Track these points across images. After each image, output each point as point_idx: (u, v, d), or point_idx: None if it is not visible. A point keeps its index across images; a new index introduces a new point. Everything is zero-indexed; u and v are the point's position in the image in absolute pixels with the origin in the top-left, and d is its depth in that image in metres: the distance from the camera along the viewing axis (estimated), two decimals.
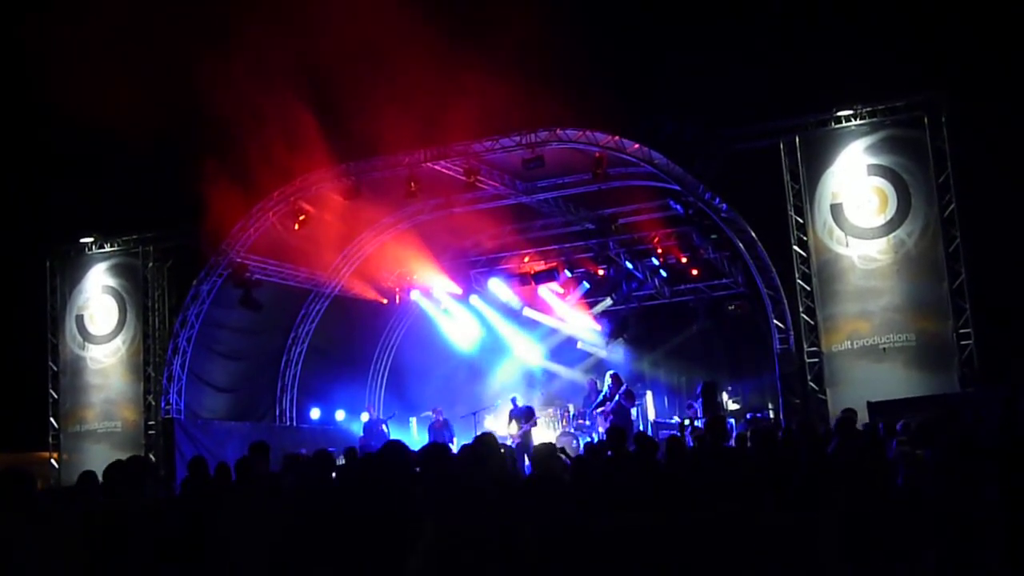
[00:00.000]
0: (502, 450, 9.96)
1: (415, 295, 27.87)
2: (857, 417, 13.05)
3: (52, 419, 25.25)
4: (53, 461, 24.89)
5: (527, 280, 27.01)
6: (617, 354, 28.36)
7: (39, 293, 25.60)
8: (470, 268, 28.20)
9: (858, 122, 20.29)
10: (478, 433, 8.97)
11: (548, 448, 10.87)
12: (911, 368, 19.39)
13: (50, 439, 25.23)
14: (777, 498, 9.64)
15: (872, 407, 17.20)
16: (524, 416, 22.91)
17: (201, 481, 10.73)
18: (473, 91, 18.90)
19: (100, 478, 10.30)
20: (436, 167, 22.21)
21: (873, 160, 20.09)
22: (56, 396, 25.30)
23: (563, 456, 12.80)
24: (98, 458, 23.73)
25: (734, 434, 18.94)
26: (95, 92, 18.72)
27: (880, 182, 19.99)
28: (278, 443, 23.93)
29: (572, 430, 23.83)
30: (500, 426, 24.12)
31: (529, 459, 15.29)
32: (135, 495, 9.69)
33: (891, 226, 19.86)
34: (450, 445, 9.15)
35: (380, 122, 19.79)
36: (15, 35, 19.51)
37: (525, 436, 22.07)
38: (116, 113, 20.92)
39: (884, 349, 19.59)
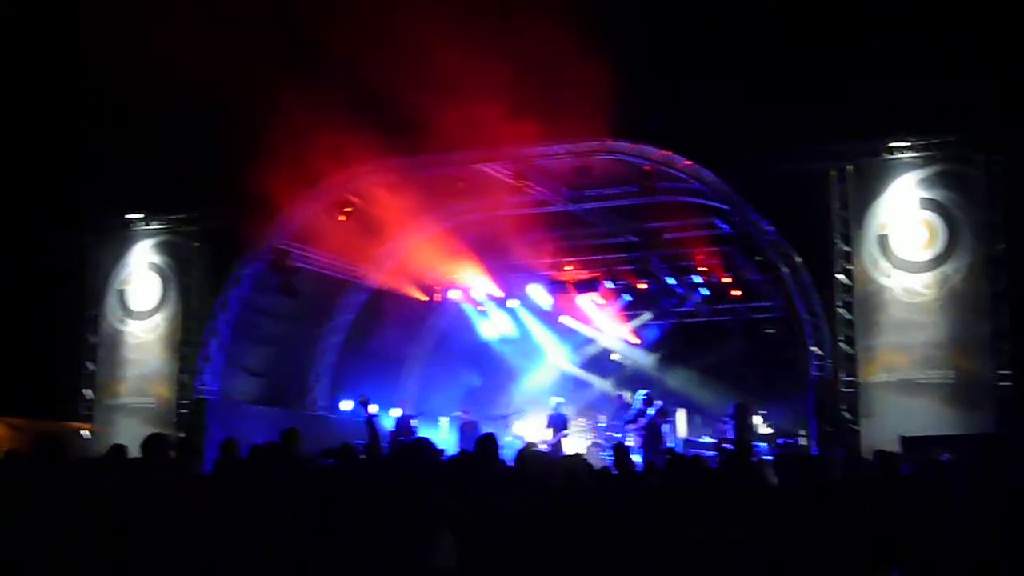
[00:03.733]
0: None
1: (454, 294, 27.89)
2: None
3: (87, 391, 25.44)
4: (85, 432, 25.05)
5: (568, 288, 26.99)
6: (652, 369, 28.31)
7: (82, 266, 25.81)
8: (511, 272, 28.17)
9: (912, 154, 20.14)
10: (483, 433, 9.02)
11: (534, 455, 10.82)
12: (947, 405, 19.19)
13: (84, 410, 25.42)
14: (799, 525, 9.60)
15: (905, 442, 17.08)
16: (559, 425, 22.91)
17: (232, 463, 10.79)
18: (527, 96, 18.91)
19: (129, 452, 10.37)
20: (485, 169, 22.24)
21: (924, 193, 19.94)
22: (93, 368, 25.49)
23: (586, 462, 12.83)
24: (129, 432, 23.86)
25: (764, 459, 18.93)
26: (149, 70, 18.85)
27: (930, 216, 19.84)
28: (308, 431, 24.05)
29: (601, 441, 23.82)
30: (530, 430, 24.13)
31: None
32: (166, 470, 9.78)
33: (938, 261, 19.69)
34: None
35: (432, 120, 19.81)
36: (68, 5, 19.67)
37: (556, 446, 22.07)
38: (171, 93, 21.11)
39: (921, 384, 19.43)
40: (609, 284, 26.51)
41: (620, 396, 24.74)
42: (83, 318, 25.72)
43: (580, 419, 25.46)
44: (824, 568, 9.55)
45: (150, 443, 9.67)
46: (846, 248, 20.42)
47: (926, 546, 9.64)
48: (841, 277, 20.38)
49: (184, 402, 24.40)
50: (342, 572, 7.86)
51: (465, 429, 23.66)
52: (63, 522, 8.09)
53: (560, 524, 8.68)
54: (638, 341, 28.49)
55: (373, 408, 10.31)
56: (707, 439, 24.56)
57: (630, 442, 21.98)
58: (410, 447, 8.26)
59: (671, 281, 26.28)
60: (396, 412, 25.76)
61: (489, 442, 8.76)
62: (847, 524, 9.68)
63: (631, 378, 27.85)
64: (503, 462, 9.12)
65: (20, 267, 25.77)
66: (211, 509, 9.23)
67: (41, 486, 8.33)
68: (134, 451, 10.19)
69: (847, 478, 10.82)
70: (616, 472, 11.23)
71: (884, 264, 20.03)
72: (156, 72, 18.62)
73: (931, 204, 19.87)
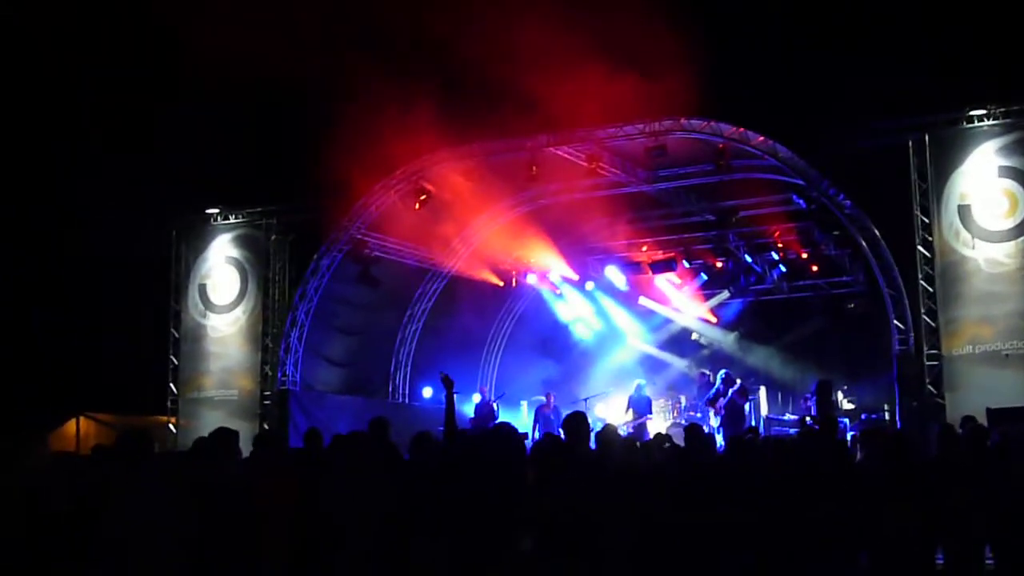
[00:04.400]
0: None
1: (531, 279, 27.90)
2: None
3: (172, 385, 25.82)
4: (171, 426, 25.43)
5: (644, 269, 26.89)
6: (732, 347, 28.16)
7: (164, 261, 26.16)
8: (587, 254, 28.12)
9: (991, 122, 19.82)
10: (570, 413, 8.97)
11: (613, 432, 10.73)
12: None
13: (169, 404, 25.79)
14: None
15: (992, 414, 16.84)
16: (642, 407, 22.84)
17: (316, 453, 10.89)
18: (598, 78, 18.86)
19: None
20: (558, 152, 22.22)
21: (1004, 162, 19.62)
22: (176, 362, 25.86)
23: (668, 443, 12.79)
24: (214, 424, 23.82)
25: (847, 435, 18.76)
26: (227, 65, 19.03)
27: (1011, 184, 19.52)
28: (390, 419, 24.27)
29: (683, 421, 23.71)
30: (611, 413, 24.08)
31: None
32: (249, 464, 9.90)
33: (1020, 230, 19.37)
34: (560, 431, 9.19)
35: (505, 105, 19.84)
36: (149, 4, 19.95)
37: (639, 428, 22.02)
38: (245, 86, 21.31)
39: (1007, 355, 19.15)
40: (686, 264, 26.39)
41: (703, 374, 24.59)
42: (167, 313, 26.05)
43: (660, 399, 25.35)
44: (915, 546, 9.46)
45: (219, 438, 9.81)
46: (926, 220, 20.16)
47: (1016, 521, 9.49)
48: (921, 249, 20.14)
49: (267, 393, 24.68)
50: (427, 560, 7.90)
51: (544, 412, 23.65)
52: (151, 514, 8.21)
53: (640, 507, 8.66)
54: (715, 320, 28.33)
55: (451, 385, 10.25)
56: (790, 416, 24.39)
57: (714, 422, 21.92)
58: (490, 433, 8.27)
59: (748, 259, 26.09)
60: (476, 398, 25.82)
61: (580, 422, 8.69)
62: (939, 500, 9.57)
63: (711, 357, 27.74)
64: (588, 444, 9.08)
65: (105, 263, 26.20)
66: (295, 500, 9.33)
67: (127, 479, 8.47)
68: None
69: (943, 454, 10.67)
70: (689, 452, 11.17)
71: (965, 235, 19.74)
72: (231, 65, 18.81)
73: (1011, 172, 19.56)
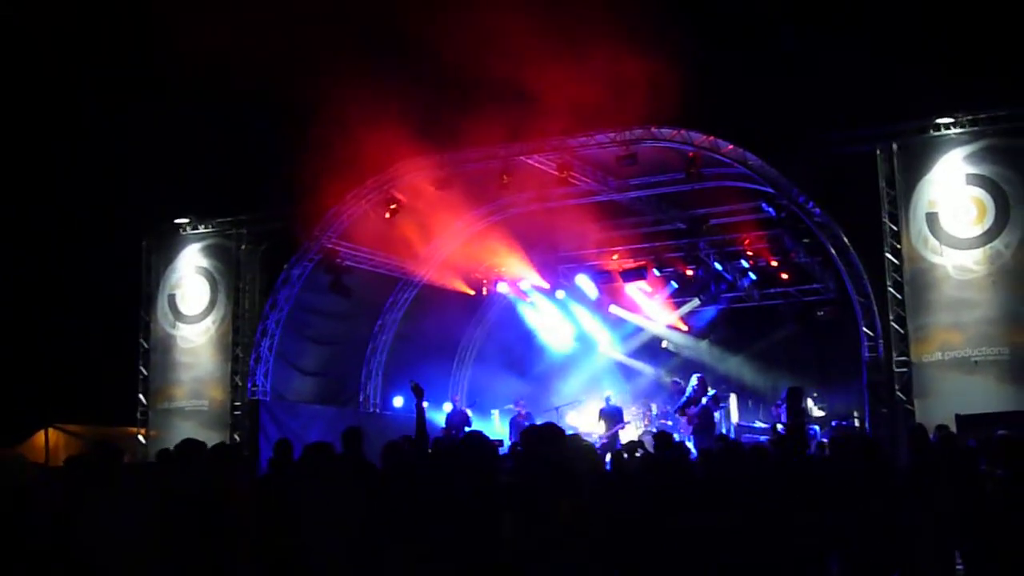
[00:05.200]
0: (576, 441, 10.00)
1: (502, 288, 27.94)
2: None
3: (141, 395, 25.67)
4: (141, 437, 25.29)
5: (615, 277, 26.96)
6: (702, 355, 28.24)
7: (134, 271, 26.02)
8: (558, 263, 28.20)
9: (958, 131, 19.94)
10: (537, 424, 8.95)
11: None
12: (1003, 382, 19.00)
13: (139, 415, 25.64)
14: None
15: (961, 420, 16.93)
16: (615, 417, 22.87)
17: (286, 463, 10.87)
18: (569, 87, 18.89)
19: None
20: (529, 161, 22.25)
21: (972, 170, 19.74)
22: (146, 373, 25.72)
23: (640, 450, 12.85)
24: (185, 435, 23.80)
25: (815, 442, 18.83)
26: (196, 74, 18.98)
27: (978, 192, 19.64)
28: (362, 428, 24.24)
29: (654, 430, 23.76)
30: (584, 422, 24.11)
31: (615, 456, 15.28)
32: (219, 475, 9.88)
33: (988, 237, 19.50)
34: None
35: (476, 114, 19.85)
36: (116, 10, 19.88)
37: (612, 438, 22.06)
38: (214, 96, 21.26)
39: (976, 362, 19.25)
40: (656, 272, 26.47)
41: (676, 382, 24.69)
42: (136, 324, 25.91)
43: (632, 408, 25.42)
44: (885, 550, 9.51)
45: (184, 449, 9.81)
46: (894, 227, 20.26)
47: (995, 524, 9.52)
48: (890, 256, 20.23)
49: (238, 404, 24.59)
50: (399, 568, 7.89)
51: (518, 421, 23.67)
52: (122, 525, 8.19)
53: (613, 511, 8.68)
54: (686, 328, 28.42)
55: (422, 393, 10.22)
56: (760, 424, 24.49)
57: (685, 430, 21.98)
58: (462, 441, 8.25)
59: (719, 267, 26.19)
60: (448, 406, 25.81)
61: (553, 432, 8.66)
62: (910, 505, 9.62)
63: (682, 365, 27.80)
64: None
65: (73, 274, 26.07)
66: (264, 510, 9.31)
67: (100, 489, 8.44)
68: None
69: (916, 459, 10.72)
70: (657, 458, 11.22)
71: (934, 242, 19.85)
72: (200, 74, 18.76)
73: (979, 180, 19.68)
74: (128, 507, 8.38)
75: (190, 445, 10.01)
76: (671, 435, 13.30)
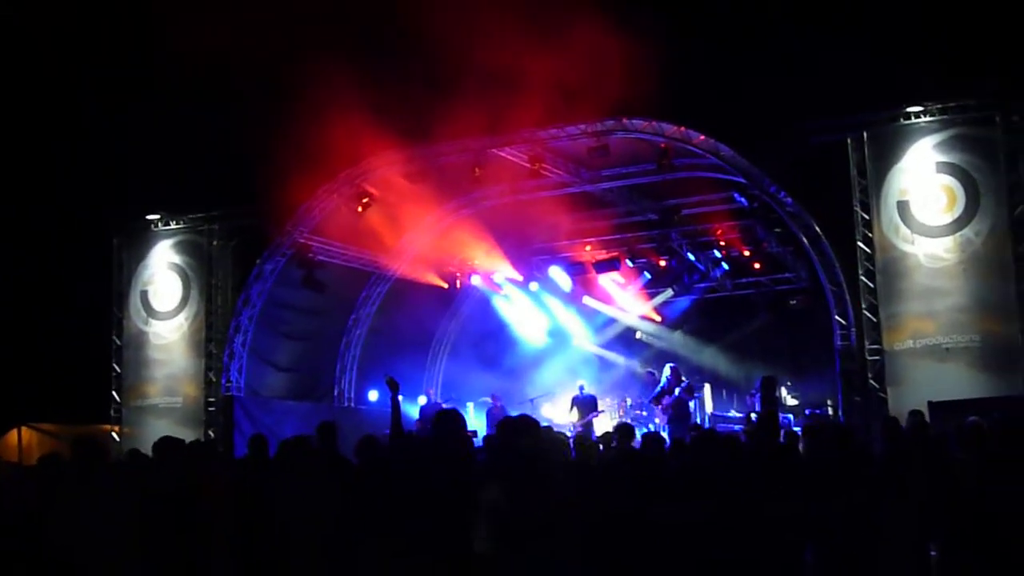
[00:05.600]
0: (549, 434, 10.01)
1: (476, 281, 27.93)
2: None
3: (115, 393, 25.56)
4: (115, 434, 25.18)
5: (588, 269, 27.00)
6: (676, 346, 28.30)
7: (105, 268, 25.90)
8: (532, 255, 28.21)
9: (928, 119, 20.03)
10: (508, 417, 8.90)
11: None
12: (975, 369, 19.12)
13: (112, 412, 25.53)
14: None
15: (934, 407, 17.03)
16: (588, 405, 22.87)
17: (261, 459, 10.84)
18: (540, 79, 18.88)
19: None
20: (501, 153, 22.24)
21: (942, 158, 19.84)
22: (119, 370, 25.61)
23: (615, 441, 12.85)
24: (159, 433, 23.59)
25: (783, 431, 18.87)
26: (166, 68, 18.88)
27: (949, 180, 19.73)
28: (337, 423, 24.20)
29: (629, 420, 23.79)
30: (559, 413, 24.13)
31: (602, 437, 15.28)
32: (194, 472, 9.85)
33: (959, 224, 19.59)
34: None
35: (447, 107, 19.82)
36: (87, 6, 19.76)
37: (587, 427, 22.06)
38: (184, 92, 21.15)
39: (947, 349, 19.35)
40: (629, 263, 26.53)
41: (650, 373, 24.72)
42: (109, 321, 25.79)
43: (607, 399, 25.44)
44: (859, 539, 9.53)
45: (163, 446, 9.78)
46: (866, 216, 20.35)
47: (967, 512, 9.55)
48: (862, 245, 20.31)
49: (212, 400, 24.52)
50: (374, 562, 7.89)
51: (493, 414, 23.67)
52: (98, 522, 8.16)
53: (588, 503, 8.69)
54: (660, 318, 28.49)
55: (397, 387, 10.18)
56: (735, 413, 24.56)
57: (659, 421, 22.02)
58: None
59: (692, 257, 26.28)
60: (422, 400, 25.81)
61: (527, 424, 8.65)
62: (884, 493, 9.64)
63: (656, 356, 27.84)
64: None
65: (45, 271, 25.93)
66: (241, 506, 9.29)
67: (76, 487, 8.42)
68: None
69: (889, 447, 10.74)
70: (629, 450, 11.24)
71: (905, 230, 19.93)
72: (170, 68, 18.66)
73: (949, 168, 19.77)
74: (104, 505, 8.35)
75: (168, 443, 9.96)
76: (632, 427, 13.28)
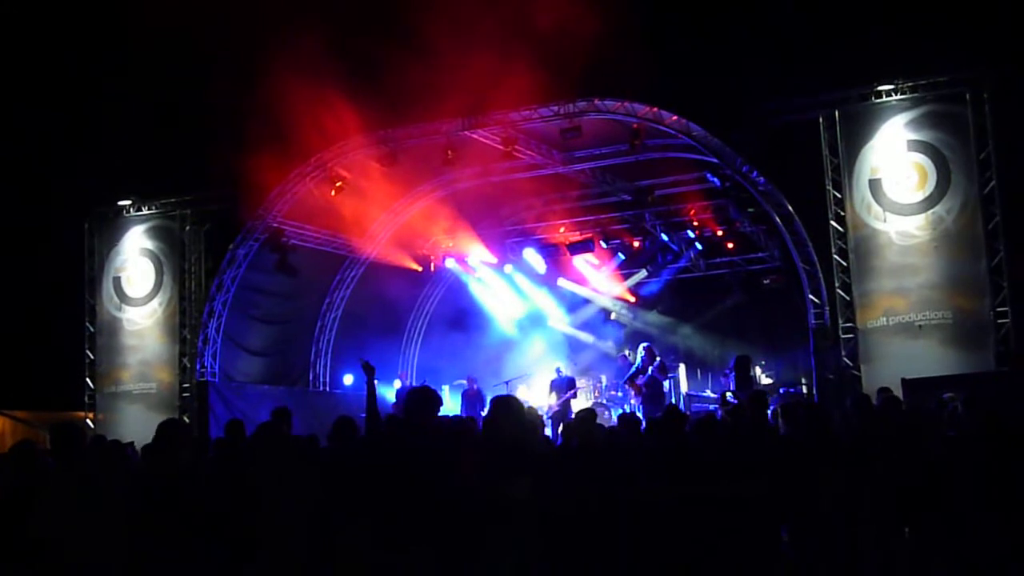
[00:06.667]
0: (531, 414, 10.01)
1: (450, 263, 27.94)
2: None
3: (88, 379, 25.47)
4: (89, 421, 25.08)
5: (562, 250, 27.03)
6: (651, 326, 28.37)
7: (77, 255, 25.76)
8: (505, 237, 28.23)
9: (899, 97, 20.12)
10: (497, 396, 8.79)
11: (589, 414, 10.82)
12: (947, 346, 19.27)
13: (86, 399, 25.44)
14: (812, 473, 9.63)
15: (907, 384, 17.13)
16: (566, 386, 22.90)
17: (237, 444, 10.82)
18: (512, 60, 18.84)
19: (130, 438, 10.39)
20: (473, 135, 22.21)
21: (913, 136, 19.93)
22: (92, 357, 25.51)
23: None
24: (133, 419, 24.03)
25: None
26: (134, 56, 18.76)
27: (920, 158, 19.83)
28: (311, 408, 24.24)
29: (604, 401, 23.88)
30: (535, 396, 24.15)
31: (565, 428, 15.23)
32: (172, 458, 9.80)
33: (930, 202, 19.69)
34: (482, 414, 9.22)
35: (418, 89, 19.77)
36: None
37: (564, 406, 22.08)
38: (155, 78, 21.03)
39: (920, 326, 19.48)
40: (603, 244, 26.58)
41: (624, 356, 24.76)
42: (82, 307, 25.67)
43: (581, 380, 25.47)
44: (834, 518, 9.59)
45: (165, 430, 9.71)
46: (838, 195, 20.43)
47: (938, 490, 9.62)
48: (835, 224, 20.40)
49: (186, 385, 24.46)
50: (353, 545, 7.89)
51: (469, 397, 23.68)
52: (84, 510, 8.14)
53: (567, 484, 8.71)
54: (634, 299, 28.56)
55: (372, 371, 10.12)
56: (709, 393, 24.64)
57: (634, 401, 22.07)
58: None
59: (665, 237, 26.34)
60: (397, 383, 25.80)
61: (508, 403, 8.53)
62: (862, 471, 9.69)
63: (631, 336, 27.91)
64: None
65: (16, 258, 25.78)
66: (215, 491, 9.26)
67: (65, 473, 8.40)
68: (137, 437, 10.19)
69: (864, 424, 10.79)
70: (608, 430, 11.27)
71: (877, 208, 20.03)
72: (139, 51, 18.54)
73: (920, 146, 19.87)
74: (84, 490, 8.32)
75: (173, 425, 9.86)
76: (595, 412, 13.29)
